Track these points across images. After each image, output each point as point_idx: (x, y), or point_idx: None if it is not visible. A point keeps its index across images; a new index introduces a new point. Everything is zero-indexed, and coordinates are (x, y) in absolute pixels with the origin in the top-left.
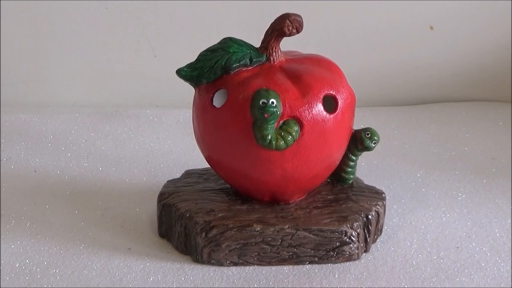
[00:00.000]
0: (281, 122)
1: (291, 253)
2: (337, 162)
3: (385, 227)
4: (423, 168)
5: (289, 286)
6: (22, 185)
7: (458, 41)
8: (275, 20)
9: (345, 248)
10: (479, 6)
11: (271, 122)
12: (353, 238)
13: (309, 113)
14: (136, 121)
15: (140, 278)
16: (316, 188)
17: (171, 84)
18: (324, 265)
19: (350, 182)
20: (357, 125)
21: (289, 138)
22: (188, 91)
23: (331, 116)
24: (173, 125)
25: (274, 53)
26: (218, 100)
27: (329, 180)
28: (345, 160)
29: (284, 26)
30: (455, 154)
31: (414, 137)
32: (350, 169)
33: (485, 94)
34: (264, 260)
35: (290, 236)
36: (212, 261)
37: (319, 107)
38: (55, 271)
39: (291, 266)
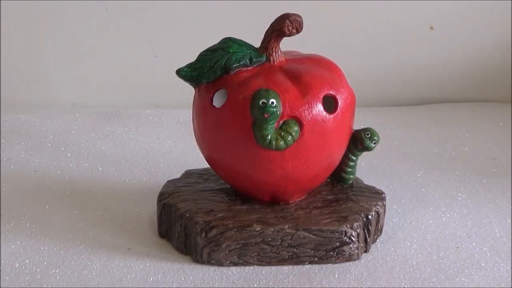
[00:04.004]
0: (281, 122)
1: (291, 253)
2: (337, 162)
3: (385, 227)
4: (423, 168)
5: (289, 286)
6: (22, 185)
7: (458, 41)
8: (275, 20)
9: (345, 248)
10: (479, 6)
11: (271, 122)
12: (353, 238)
13: (309, 113)
14: (136, 121)
15: (140, 278)
16: (316, 188)
17: (171, 84)
18: (324, 265)
19: (350, 182)
20: (357, 125)
21: (289, 138)
22: (188, 91)
23: (331, 116)
24: (173, 125)
25: (274, 53)
26: (218, 100)
27: (329, 180)
28: (345, 160)
29: (284, 26)
30: (455, 154)
31: (414, 137)
32: (350, 169)
33: (485, 95)
34: (264, 260)
35: (290, 236)
36: (212, 261)
37: (319, 107)
38: (55, 271)
39: (291, 266)
